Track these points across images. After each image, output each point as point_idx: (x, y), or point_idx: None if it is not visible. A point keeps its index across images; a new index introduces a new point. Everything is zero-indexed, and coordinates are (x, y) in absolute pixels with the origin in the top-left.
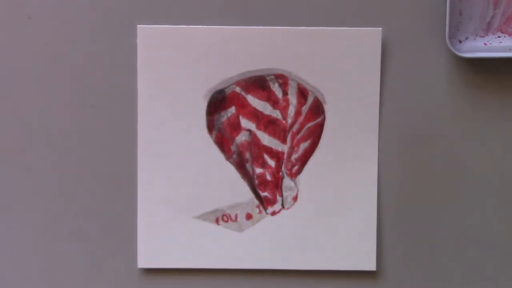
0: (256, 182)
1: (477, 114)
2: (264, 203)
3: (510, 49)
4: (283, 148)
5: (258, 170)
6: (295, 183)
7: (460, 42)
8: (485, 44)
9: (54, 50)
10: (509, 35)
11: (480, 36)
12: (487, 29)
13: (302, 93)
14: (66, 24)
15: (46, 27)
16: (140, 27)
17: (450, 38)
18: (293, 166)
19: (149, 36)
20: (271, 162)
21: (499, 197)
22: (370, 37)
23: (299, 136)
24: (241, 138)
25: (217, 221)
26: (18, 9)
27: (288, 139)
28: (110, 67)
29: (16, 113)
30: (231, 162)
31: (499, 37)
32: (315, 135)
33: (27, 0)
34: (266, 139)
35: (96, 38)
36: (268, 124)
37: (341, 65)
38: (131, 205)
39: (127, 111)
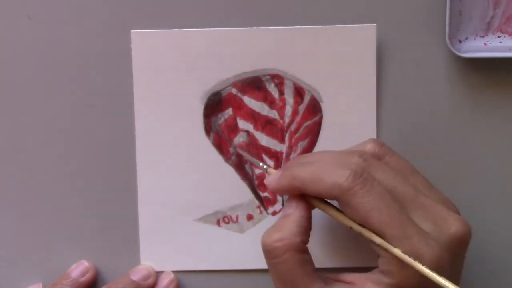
0: (256, 182)
1: (477, 114)
2: (265, 203)
3: (510, 49)
4: (282, 148)
5: (258, 171)
6: None
7: (460, 42)
8: (485, 44)
9: (54, 50)
10: (509, 35)
11: (480, 36)
12: (487, 29)
13: (299, 92)
14: (66, 25)
15: (46, 27)
16: (134, 32)
17: (450, 38)
18: None
19: (143, 41)
20: (270, 162)
21: (499, 196)
22: (365, 33)
23: (297, 135)
24: (239, 139)
25: (218, 222)
26: (18, 9)
27: (286, 138)
28: (110, 68)
29: (15, 113)
30: (230, 164)
31: (499, 37)
32: (313, 133)
33: (27, 0)
34: (264, 139)
35: (95, 37)
36: (266, 124)
37: (337, 62)
38: (131, 210)
39: (127, 112)
